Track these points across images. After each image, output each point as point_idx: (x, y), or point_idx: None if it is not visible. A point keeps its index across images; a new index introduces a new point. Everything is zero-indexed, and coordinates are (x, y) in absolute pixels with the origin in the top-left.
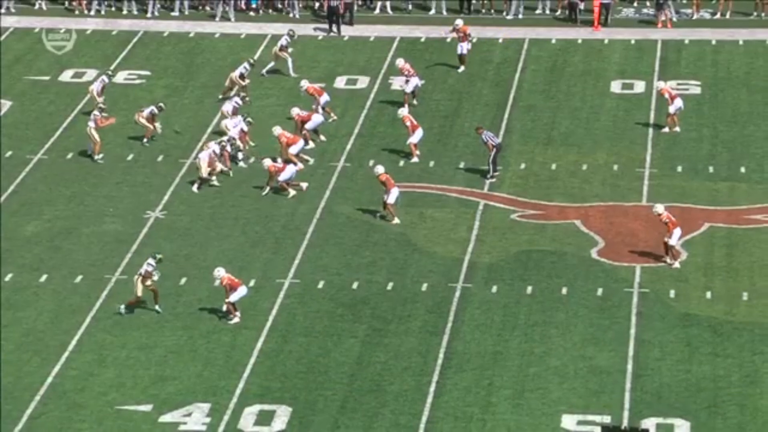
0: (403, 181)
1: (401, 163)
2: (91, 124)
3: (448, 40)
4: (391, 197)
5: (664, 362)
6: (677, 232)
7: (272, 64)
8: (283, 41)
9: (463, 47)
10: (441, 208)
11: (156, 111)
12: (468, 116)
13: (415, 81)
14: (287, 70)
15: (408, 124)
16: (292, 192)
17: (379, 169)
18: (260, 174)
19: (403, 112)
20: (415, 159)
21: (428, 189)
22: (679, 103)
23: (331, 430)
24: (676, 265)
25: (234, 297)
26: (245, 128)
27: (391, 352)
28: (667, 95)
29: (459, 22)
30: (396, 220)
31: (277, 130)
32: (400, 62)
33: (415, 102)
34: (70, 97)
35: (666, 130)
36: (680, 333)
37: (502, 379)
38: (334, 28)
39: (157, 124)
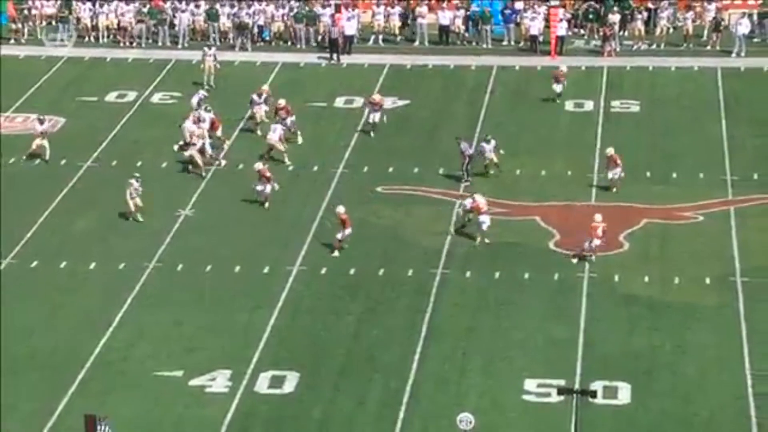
0: (390, 184)
1: (390, 169)
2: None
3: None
4: (344, 234)
5: (609, 335)
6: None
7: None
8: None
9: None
10: (424, 206)
11: (203, 96)
12: (446, 130)
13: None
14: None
15: None
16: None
17: (341, 209)
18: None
19: None
20: None
21: (413, 191)
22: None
23: (332, 392)
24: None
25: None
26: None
27: (382, 328)
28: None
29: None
30: (336, 254)
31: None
32: (377, 97)
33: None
34: (114, 115)
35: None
36: (623, 311)
37: (474, 349)
38: (335, 57)
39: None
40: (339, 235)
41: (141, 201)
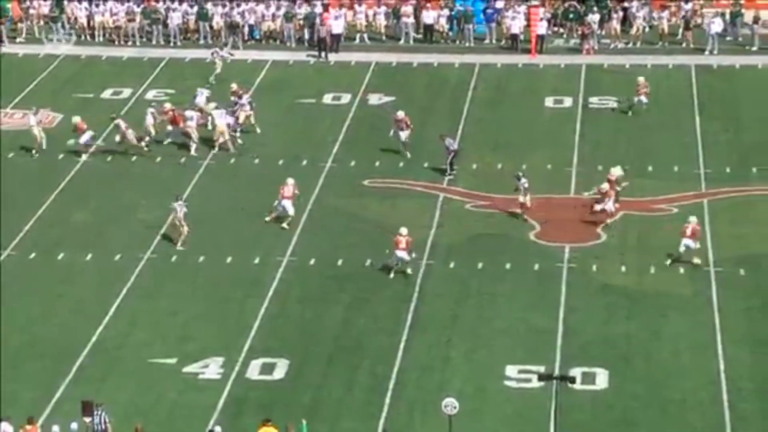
0: (377, 177)
1: (377, 163)
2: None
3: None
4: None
5: (587, 323)
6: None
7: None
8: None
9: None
10: (409, 199)
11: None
12: (430, 126)
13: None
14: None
15: None
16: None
17: None
18: (266, 176)
19: None
20: None
21: (399, 184)
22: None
23: (320, 379)
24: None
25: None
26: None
27: (369, 316)
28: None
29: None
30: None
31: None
32: (400, 114)
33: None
34: (110, 111)
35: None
36: (600, 300)
37: (458, 337)
38: (323, 55)
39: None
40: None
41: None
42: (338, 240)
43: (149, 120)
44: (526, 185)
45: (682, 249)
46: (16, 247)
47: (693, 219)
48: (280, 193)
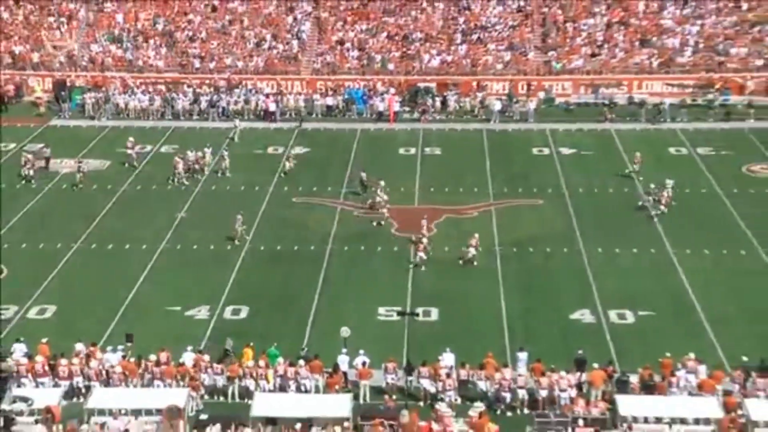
0: (301, 197)
1: (300, 188)
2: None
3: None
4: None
5: (427, 280)
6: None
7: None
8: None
9: None
10: (320, 209)
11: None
12: (333, 166)
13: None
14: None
15: None
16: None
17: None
18: (230, 191)
19: None
20: None
21: (313, 200)
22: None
23: (267, 317)
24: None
25: None
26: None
27: (297, 279)
28: None
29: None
30: None
31: None
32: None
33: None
34: (139, 159)
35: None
36: (434, 266)
37: (349, 291)
38: (268, 123)
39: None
40: None
41: (245, 232)
42: (278, 233)
43: (181, 165)
44: (386, 197)
45: (469, 254)
46: (84, 241)
47: (477, 235)
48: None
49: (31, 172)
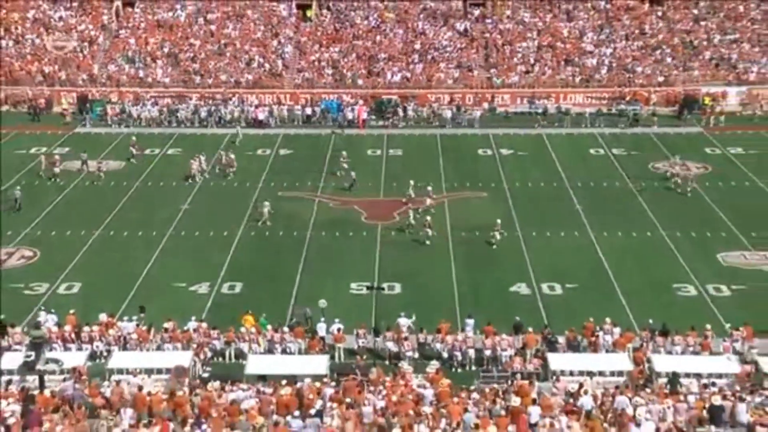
0: (285, 191)
1: (284, 183)
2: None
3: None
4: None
5: (392, 260)
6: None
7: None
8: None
9: None
10: (301, 202)
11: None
12: (313, 165)
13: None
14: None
15: None
16: None
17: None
18: (228, 185)
19: None
20: None
21: (296, 194)
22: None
23: (259, 292)
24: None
25: None
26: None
27: (283, 259)
28: None
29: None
30: None
31: None
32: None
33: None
34: (149, 160)
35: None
36: (397, 248)
37: (327, 269)
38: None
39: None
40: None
41: (270, 217)
42: (267, 221)
43: (195, 165)
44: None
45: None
46: (105, 227)
47: (429, 218)
48: None
49: (57, 170)
